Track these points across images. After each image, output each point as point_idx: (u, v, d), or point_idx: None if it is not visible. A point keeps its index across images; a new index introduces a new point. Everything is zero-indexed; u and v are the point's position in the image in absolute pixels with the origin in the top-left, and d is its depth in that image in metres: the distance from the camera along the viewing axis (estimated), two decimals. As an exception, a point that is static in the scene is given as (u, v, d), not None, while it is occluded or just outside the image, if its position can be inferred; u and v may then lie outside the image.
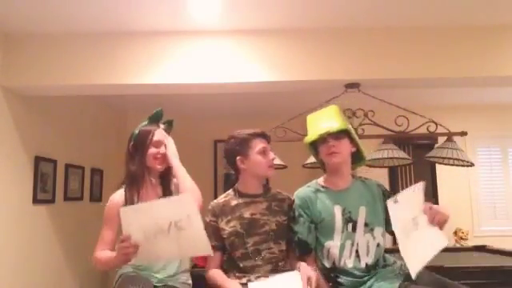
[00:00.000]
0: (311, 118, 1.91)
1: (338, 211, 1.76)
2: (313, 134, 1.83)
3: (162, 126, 1.92)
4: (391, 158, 2.92)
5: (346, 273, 1.73)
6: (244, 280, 1.77)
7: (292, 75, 2.71)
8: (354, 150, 1.82)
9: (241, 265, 1.80)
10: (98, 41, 2.71)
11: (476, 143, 4.59)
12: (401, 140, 3.89)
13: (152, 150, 1.83)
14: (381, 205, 1.78)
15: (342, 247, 1.74)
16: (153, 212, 1.52)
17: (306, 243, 1.79)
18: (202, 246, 1.52)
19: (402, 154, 2.95)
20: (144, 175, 1.85)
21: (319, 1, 2.39)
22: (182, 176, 1.82)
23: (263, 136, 1.88)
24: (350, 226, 1.74)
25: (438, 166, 4.09)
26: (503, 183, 4.68)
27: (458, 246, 4.05)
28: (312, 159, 3.07)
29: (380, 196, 1.81)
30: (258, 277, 1.78)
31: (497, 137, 4.71)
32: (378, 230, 1.75)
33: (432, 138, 4.03)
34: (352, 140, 1.81)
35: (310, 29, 2.71)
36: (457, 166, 2.99)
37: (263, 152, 1.84)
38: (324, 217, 1.78)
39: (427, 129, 2.96)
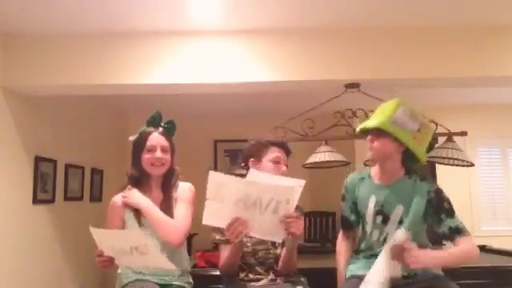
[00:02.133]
0: (377, 109, 1.91)
1: (371, 202, 1.84)
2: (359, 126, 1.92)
3: (160, 129, 1.89)
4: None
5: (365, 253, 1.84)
6: (241, 276, 1.81)
7: (292, 75, 2.71)
8: (402, 149, 1.79)
9: (242, 261, 1.83)
10: (98, 41, 2.71)
11: (476, 143, 4.59)
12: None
13: (146, 156, 1.82)
14: (421, 211, 1.78)
15: (371, 234, 1.84)
16: (114, 238, 1.66)
17: (348, 220, 1.94)
18: (163, 265, 1.64)
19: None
20: (142, 180, 1.86)
21: (319, 1, 2.39)
22: (156, 218, 1.77)
23: (281, 146, 1.91)
24: (379, 218, 1.82)
25: (438, 165, 4.08)
26: (503, 183, 4.68)
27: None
28: (312, 159, 3.08)
29: (424, 202, 1.79)
30: (257, 275, 1.80)
31: (497, 137, 4.71)
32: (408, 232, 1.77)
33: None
34: (398, 139, 1.77)
35: (310, 29, 2.71)
36: (457, 166, 2.99)
37: (276, 161, 1.88)
38: (359, 203, 1.88)
39: (427, 129, 2.95)
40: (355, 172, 2.00)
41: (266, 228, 1.59)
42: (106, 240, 1.65)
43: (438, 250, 1.72)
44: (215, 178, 1.56)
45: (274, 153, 1.88)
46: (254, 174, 1.70)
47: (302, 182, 1.64)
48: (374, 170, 1.92)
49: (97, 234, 1.63)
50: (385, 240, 1.78)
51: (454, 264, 1.72)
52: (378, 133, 1.78)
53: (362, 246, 1.88)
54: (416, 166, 1.87)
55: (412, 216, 1.77)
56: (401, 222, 1.77)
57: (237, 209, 1.55)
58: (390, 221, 1.79)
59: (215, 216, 1.57)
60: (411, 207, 1.78)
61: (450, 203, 1.80)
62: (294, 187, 1.58)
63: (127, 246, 1.59)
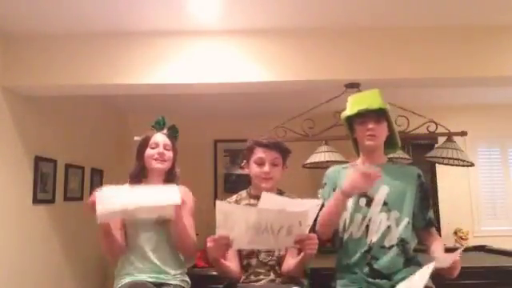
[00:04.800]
0: (353, 97, 1.90)
1: None
2: (352, 109, 1.84)
3: (164, 130, 1.99)
4: (391, 157, 2.92)
5: (348, 248, 1.78)
6: (241, 279, 1.81)
7: (292, 75, 2.71)
8: (388, 133, 1.82)
9: (244, 262, 1.84)
10: (98, 41, 2.71)
11: (476, 143, 4.59)
12: (401, 140, 3.88)
13: (149, 152, 1.91)
14: (411, 194, 1.77)
15: (351, 219, 1.78)
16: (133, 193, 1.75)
17: None
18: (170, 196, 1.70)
19: (402, 153, 2.95)
20: (143, 177, 1.93)
21: (319, 1, 2.39)
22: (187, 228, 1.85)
23: (266, 146, 1.84)
24: (362, 200, 1.77)
25: (438, 165, 4.09)
26: (503, 183, 4.67)
27: (457, 246, 4.05)
28: (312, 159, 3.08)
29: (415, 185, 1.79)
30: (258, 276, 1.80)
31: (497, 137, 4.71)
32: (395, 214, 1.74)
33: (432, 138, 4.03)
34: (389, 124, 1.81)
35: (309, 29, 2.71)
36: (457, 165, 3.00)
37: (258, 163, 1.84)
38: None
39: (427, 129, 2.96)
40: (336, 164, 2.00)
41: (280, 246, 1.64)
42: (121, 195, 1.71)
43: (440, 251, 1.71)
44: (223, 208, 1.54)
45: (256, 154, 1.84)
46: (266, 197, 1.62)
47: (318, 202, 1.63)
48: (359, 160, 1.91)
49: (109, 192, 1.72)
50: (367, 227, 1.74)
51: None
52: (379, 119, 1.77)
53: (342, 235, 1.82)
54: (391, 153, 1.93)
55: (400, 197, 1.75)
56: (385, 204, 1.74)
57: (248, 235, 1.54)
58: (373, 203, 1.75)
59: (231, 242, 1.57)
60: (399, 188, 1.76)
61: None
62: (307, 211, 1.57)
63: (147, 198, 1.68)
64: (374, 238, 1.74)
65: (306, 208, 1.58)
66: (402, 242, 1.73)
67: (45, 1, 2.33)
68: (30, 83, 2.72)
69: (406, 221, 1.74)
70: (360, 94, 1.91)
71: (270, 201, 1.59)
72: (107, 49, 2.71)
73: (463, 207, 4.53)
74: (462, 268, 1.62)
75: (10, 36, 2.69)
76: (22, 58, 2.70)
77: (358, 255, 1.76)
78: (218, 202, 1.55)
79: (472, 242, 4.09)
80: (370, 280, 1.72)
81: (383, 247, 1.73)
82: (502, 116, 4.65)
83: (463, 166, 2.98)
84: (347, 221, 1.80)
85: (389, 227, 1.73)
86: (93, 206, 1.65)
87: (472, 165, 2.96)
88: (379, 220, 1.74)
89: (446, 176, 4.41)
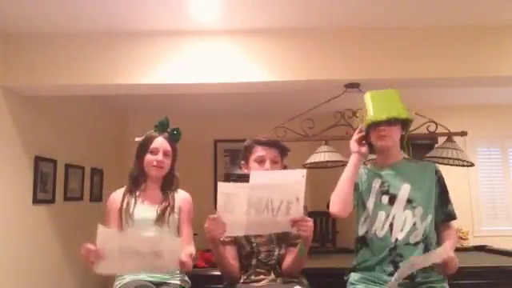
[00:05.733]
0: (375, 99, 1.85)
1: (376, 184, 1.80)
2: (379, 114, 1.79)
3: (166, 134, 1.96)
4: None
5: (373, 243, 1.76)
6: (241, 279, 1.80)
7: (292, 75, 2.71)
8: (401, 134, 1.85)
9: (244, 262, 1.83)
10: (98, 41, 2.71)
11: (476, 143, 4.59)
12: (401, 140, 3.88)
13: (149, 157, 1.90)
14: (433, 189, 1.79)
15: (374, 217, 1.77)
16: (138, 240, 1.64)
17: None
18: (170, 268, 1.70)
19: (403, 153, 2.95)
20: (141, 179, 1.93)
21: (319, 1, 2.39)
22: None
23: (266, 145, 1.84)
24: (385, 198, 1.77)
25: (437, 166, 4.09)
26: (503, 183, 4.68)
27: (457, 246, 4.04)
28: (312, 159, 3.08)
29: (434, 180, 1.81)
30: (258, 276, 1.80)
31: (497, 137, 4.72)
32: (420, 210, 1.74)
33: (432, 138, 4.02)
34: (404, 126, 1.83)
35: (309, 29, 2.71)
36: (457, 166, 2.99)
37: (259, 161, 1.82)
38: (364, 187, 1.83)
39: (427, 129, 2.96)
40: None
41: (276, 228, 1.65)
42: (121, 241, 1.61)
43: (449, 244, 1.70)
44: (224, 189, 1.55)
45: (256, 152, 1.84)
46: (255, 175, 1.66)
47: (303, 172, 1.63)
48: (376, 160, 1.92)
49: (110, 232, 1.65)
50: (391, 225, 1.72)
51: None
52: (391, 122, 1.77)
53: (364, 233, 1.80)
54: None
55: (423, 194, 1.75)
56: (409, 201, 1.74)
57: (250, 216, 1.56)
58: (397, 200, 1.75)
59: (229, 227, 1.58)
60: (421, 184, 1.77)
61: None
62: (301, 183, 1.59)
63: (147, 250, 1.59)
64: (399, 236, 1.72)
65: (299, 180, 1.59)
66: (426, 239, 1.73)
67: (45, 1, 2.33)
68: (30, 83, 2.72)
69: (430, 217, 1.75)
70: (382, 96, 1.85)
71: (259, 177, 1.62)
72: (107, 49, 2.71)
73: (463, 207, 4.53)
74: (462, 268, 1.61)
75: (10, 36, 2.69)
76: (22, 57, 2.70)
77: (383, 254, 1.74)
78: (219, 184, 1.55)
79: (472, 242, 4.09)
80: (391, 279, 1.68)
81: (408, 244, 1.72)
82: (502, 116, 4.66)
83: (463, 166, 2.97)
84: (368, 220, 1.79)
85: (414, 224, 1.73)
86: (93, 255, 1.58)
87: (472, 165, 2.96)
88: (404, 218, 1.74)
89: (445, 176, 4.32)
